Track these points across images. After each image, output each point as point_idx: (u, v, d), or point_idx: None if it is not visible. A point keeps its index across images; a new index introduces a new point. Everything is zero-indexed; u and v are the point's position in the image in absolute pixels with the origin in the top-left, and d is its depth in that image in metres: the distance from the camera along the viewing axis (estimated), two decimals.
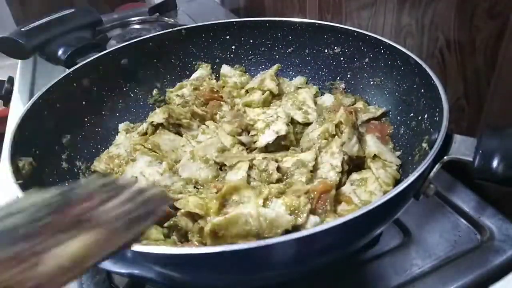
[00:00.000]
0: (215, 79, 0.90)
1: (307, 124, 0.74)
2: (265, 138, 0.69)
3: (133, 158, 0.67)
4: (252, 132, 0.72)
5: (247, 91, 0.84)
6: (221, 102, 0.82)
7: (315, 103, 0.79)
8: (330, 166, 0.61)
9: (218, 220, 0.49)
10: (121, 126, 0.79)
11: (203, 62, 0.91)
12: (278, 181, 0.60)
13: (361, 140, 0.66)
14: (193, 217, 0.54)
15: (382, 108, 0.74)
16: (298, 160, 0.62)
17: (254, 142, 0.70)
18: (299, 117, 0.74)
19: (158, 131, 0.74)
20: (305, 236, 0.38)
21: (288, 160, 0.63)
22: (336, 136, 0.65)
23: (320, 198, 0.54)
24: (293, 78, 0.88)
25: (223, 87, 0.86)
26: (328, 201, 0.54)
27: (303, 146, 0.70)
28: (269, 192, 0.55)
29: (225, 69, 0.90)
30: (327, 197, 0.55)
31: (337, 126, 0.65)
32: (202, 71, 0.89)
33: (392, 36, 0.85)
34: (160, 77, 0.88)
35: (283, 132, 0.68)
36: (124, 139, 0.75)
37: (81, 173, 0.67)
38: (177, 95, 0.84)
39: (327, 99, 0.80)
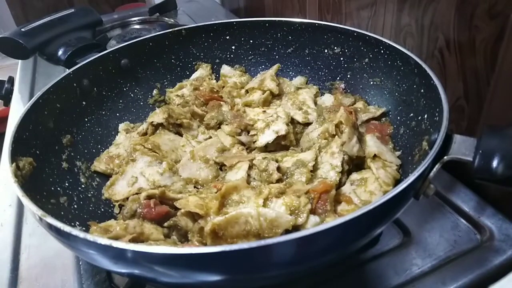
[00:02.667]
0: (215, 79, 0.90)
1: (307, 124, 0.74)
2: (265, 137, 0.69)
3: (133, 158, 0.67)
4: (252, 132, 0.72)
5: (247, 91, 0.84)
6: (221, 102, 0.82)
7: (315, 103, 0.79)
8: (330, 166, 0.61)
9: (218, 220, 0.49)
10: (121, 126, 0.79)
11: (203, 62, 0.91)
12: (278, 181, 0.60)
13: (361, 140, 0.66)
14: (193, 217, 0.54)
15: (382, 108, 0.74)
16: (298, 160, 0.62)
17: (254, 142, 0.70)
18: (299, 117, 0.74)
19: (158, 131, 0.74)
20: (305, 236, 0.37)
21: (288, 160, 0.63)
22: (336, 136, 0.65)
23: (320, 198, 0.54)
24: (293, 78, 0.88)
25: (223, 87, 0.86)
26: (328, 201, 0.54)
27: (303, 146, 0.70)
28: (269, 192, 0.55)
29: (225, 69, 0.90)
30: (327, 197, 0.55)
31: (337, 126, 0.65)
32: (202, 71, 0.89)
33: (392, 36, 0.85)
34: (160, 77, 0.88)
35: (283, 132, 0.68)
36: (124, 139, 0.75)
37: (81, 173, 0.67)
38: (177, 95, 0.84)
39: (327, 99, 0.80)
